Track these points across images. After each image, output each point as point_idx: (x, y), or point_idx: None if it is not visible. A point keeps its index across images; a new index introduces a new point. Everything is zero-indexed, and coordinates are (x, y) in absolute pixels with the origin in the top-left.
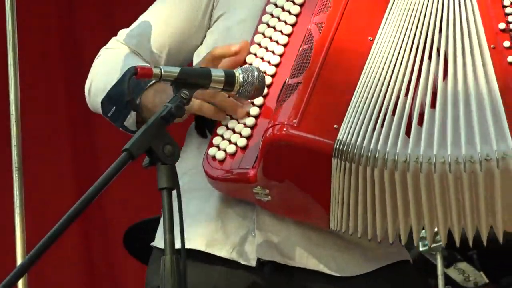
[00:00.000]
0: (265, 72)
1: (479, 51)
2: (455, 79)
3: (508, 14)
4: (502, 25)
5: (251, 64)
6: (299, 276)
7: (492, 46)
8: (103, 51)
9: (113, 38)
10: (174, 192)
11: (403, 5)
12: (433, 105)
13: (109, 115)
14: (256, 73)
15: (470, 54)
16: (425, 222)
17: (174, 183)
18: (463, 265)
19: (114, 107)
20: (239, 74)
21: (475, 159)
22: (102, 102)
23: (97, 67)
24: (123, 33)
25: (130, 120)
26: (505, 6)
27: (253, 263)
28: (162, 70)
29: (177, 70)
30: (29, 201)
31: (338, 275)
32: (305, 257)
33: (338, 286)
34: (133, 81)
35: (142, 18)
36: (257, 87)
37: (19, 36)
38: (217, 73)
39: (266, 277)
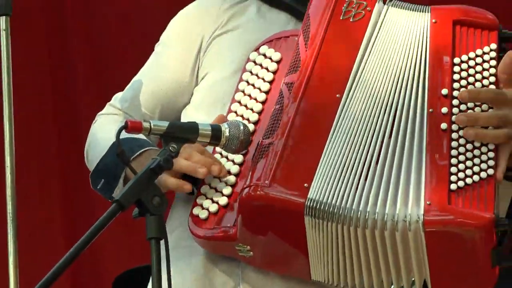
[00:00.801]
0: None
1: (420, 112)
2: (396, 136)
3: (455, 81)
4: (445, 91)
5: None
6: None
7: (430, 110)
8: (98, 117)
9: (108, 103)
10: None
11: (373, 66)
12: (377, 161)
13: (98, 187)
14: (241, 127)
15: (413, 113)
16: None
17: (162, 233)
18: None
19: (103, 180)
20: (225, 128)
21: (395, 219)
22: (91, 176)
23: (92, 135)
24: (117, 96)
25: (118, 191)
26: (454, 72)
27: None
28: (152, 124)
29: (166, 124)
30: (22, 250)
31: None
32: None
33: None
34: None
35: (135, 79)
36: (243, 140)
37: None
38: (204, 128)
39: None
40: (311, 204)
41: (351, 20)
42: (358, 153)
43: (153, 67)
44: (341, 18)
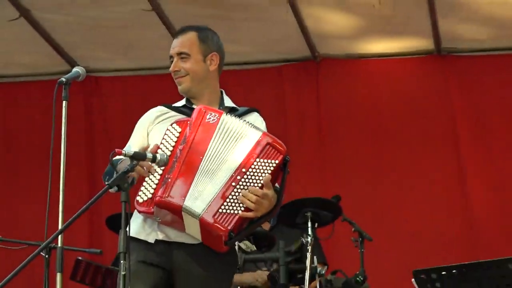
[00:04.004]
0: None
1: (228, 171)
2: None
3: (250, 167)
4: (244, 170)
5: (163, 151)
6: (175, 245)
7: (241, 169)
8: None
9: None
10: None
11: (218, 144)
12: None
13: (106, 182)
14: (165, 156)
15: (227, 171)
16: None
17: (127, 199)
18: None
19: (108, 177)
20: (158, 155)
21: (197, 213)
22: (103, 178)
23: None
24: (126, 146)
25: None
26: (253, 164)
27: (151, 241)
28: (126, 151)
29: (132, 151)
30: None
31: (191, 243)
32: (178, 237)
33: (195, 249)
34: (115, 162)
35: (129, 142)
36: (165, 162)
37: None
38: (149, 155)
39: (160, 247)
40: (184, 207)
41: (210, 122)
42: (208, 184)
43: (133, 138)
44: (205, 120)
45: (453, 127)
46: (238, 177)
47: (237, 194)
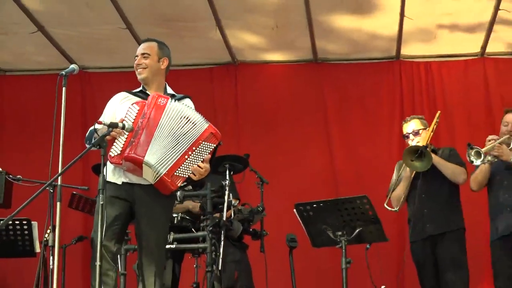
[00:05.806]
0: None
1: (191, 140)
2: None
3: (197, 146)
4: (197, 145)
5: (128, 121)
6: (136, 185)
7: (193, 148)
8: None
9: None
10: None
11: (168, 120)
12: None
13: (87, 142)
14: (131, 125)
15: (190, 141)
16: None
17: (105, 153)
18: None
19: (88, 140)
20: (126, 124)
21: (160, 172)
22: (85, 141)
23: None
24: (101, 117)
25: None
26: (200, 143)
27: (119, 182)
28: (104, 121)
29: (108, 122)
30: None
31: (146, 184)
32: (138, 180)
33: (149, 188)
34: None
35: (103, 116)
36: (131, 129)
37: None
38: (120, 124)
39: (125, 186)
40: (145, 161)
41: (161, 104)
42: (160, 146)
43: (106, 113)
44: (158, 103)
45: (324, 112)
46: (190, 152)
47: (187, 163)
